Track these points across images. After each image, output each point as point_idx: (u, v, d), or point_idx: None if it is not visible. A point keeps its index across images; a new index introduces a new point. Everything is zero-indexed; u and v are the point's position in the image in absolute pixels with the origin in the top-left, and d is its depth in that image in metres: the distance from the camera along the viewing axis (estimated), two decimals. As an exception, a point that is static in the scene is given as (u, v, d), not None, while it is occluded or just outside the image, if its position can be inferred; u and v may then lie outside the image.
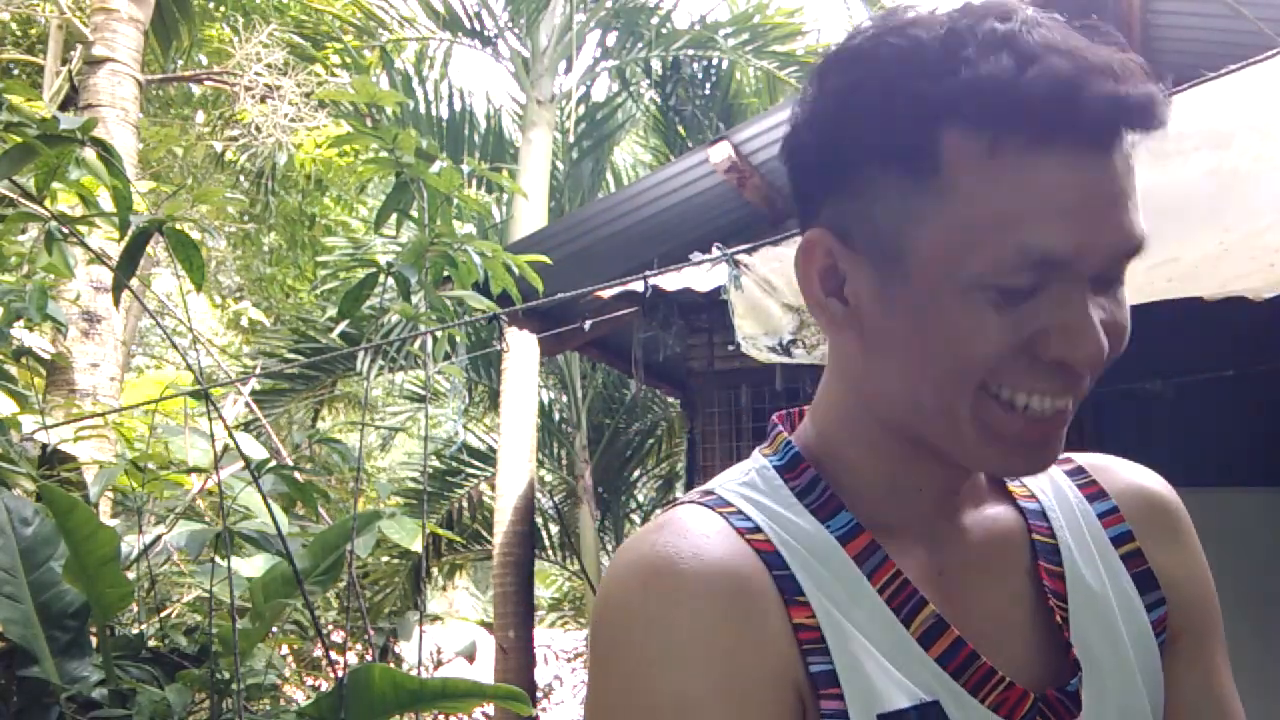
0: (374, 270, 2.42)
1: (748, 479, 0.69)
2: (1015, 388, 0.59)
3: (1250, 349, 3.51)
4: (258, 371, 7.08)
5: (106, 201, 2.19)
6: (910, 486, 0.66)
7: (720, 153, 4.44)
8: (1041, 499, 0.73)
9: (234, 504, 2.64)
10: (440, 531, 3.95)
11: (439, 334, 2.88)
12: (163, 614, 3.08)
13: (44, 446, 3.06)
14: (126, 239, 2.08)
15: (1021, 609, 0.68)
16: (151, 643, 2.63)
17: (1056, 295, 0.57)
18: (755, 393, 4.79)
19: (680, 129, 8.33)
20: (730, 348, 3.30)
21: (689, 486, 6.11)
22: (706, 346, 4.87)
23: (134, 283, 2.37)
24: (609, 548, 8.91)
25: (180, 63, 7.73)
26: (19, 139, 1.92)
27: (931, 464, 0.66)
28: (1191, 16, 4.20)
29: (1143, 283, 2.18)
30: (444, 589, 11.17)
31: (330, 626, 4.84)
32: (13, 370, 2.96)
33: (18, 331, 2.95)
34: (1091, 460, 0.78)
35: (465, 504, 8.84)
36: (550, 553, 9.31)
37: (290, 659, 4.48)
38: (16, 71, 7.16)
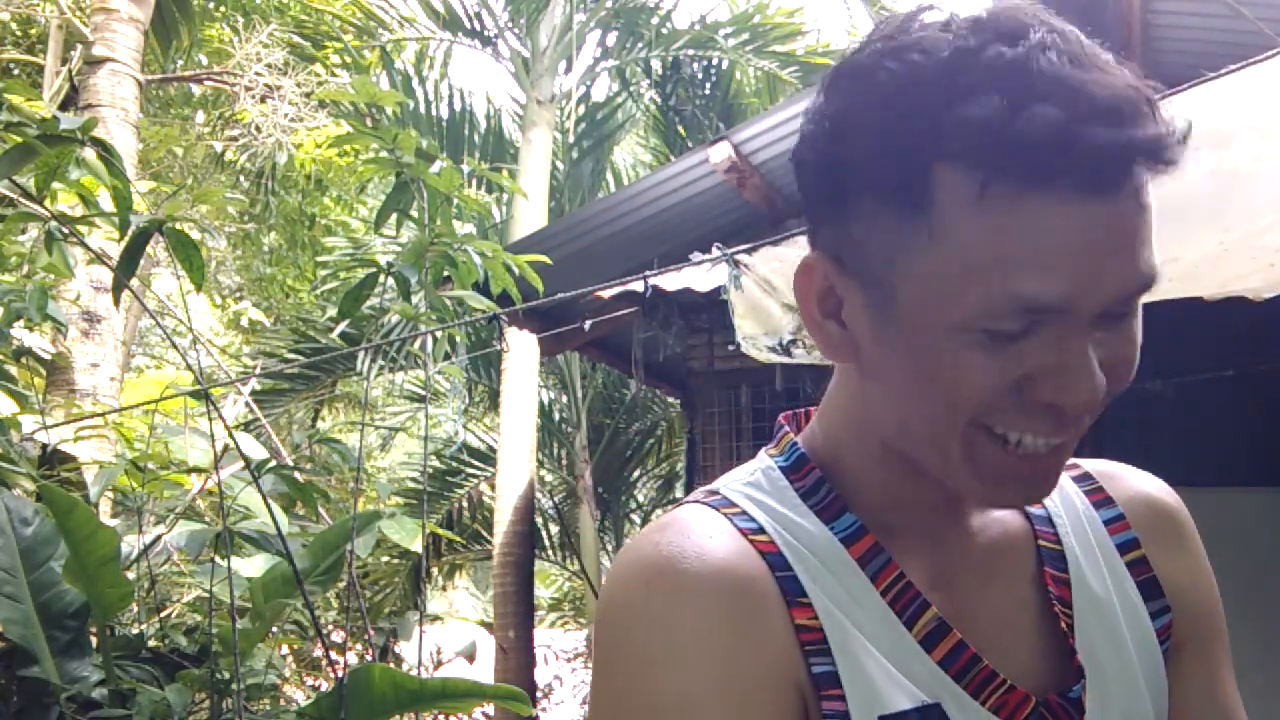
0: (374, 270, 2.42)
1: (753, 479, 0.69)
2: (1007, 426, 0.58)
3: (1250, 349, 3.51)
4: (258, 371, 7.08)
5: (106, 201, 2.19)
6: (914, 493, 0.66)
7: (720, 153, 4.44)
8: (1048, 505, 0.72)
9: (234, 504, 2.64)
10: (440, 531, 3.95)
11: (439, 334, 2.88)
12: (163, 614, 3.08)
13: (44, 446, 3.06)
14: (126, 239, 2.08)
15: (1026, 614, 0.68)
16: (151, 643, 2.63)
17: (1050, 337, 0.55)
18: (755, 393, 4.79)
19: (680, 129, 8.33)
20: (730, 348, 3.30)
21: (689, 486, 6.11)
22: (706, 346, 4.87)
23: (134, 283, 2.37)
24: (609, 548, 8.91)
25: (180, 63, 7.73)
26: (19, 139, 1.92)
27: (932, 478, 0.65)
28: (1191, 16, 4.20)
29: (1143, 283, 2.17)
30: (444, 589, 11.17)
31: (330, 626, 4.84)
32: (13, 370, 2.96)
33: (18, 331, 2.95)
34: (1098, 467, 0.77)
35: (465, 504, 8.84)
36: (550, 553, 9.31)
37: (290, 659, 4.48)
38: (16, 71, 7.16)
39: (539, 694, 7.91)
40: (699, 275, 3.48)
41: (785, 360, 3.12)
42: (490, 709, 6.11)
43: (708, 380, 4.95)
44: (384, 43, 8.00)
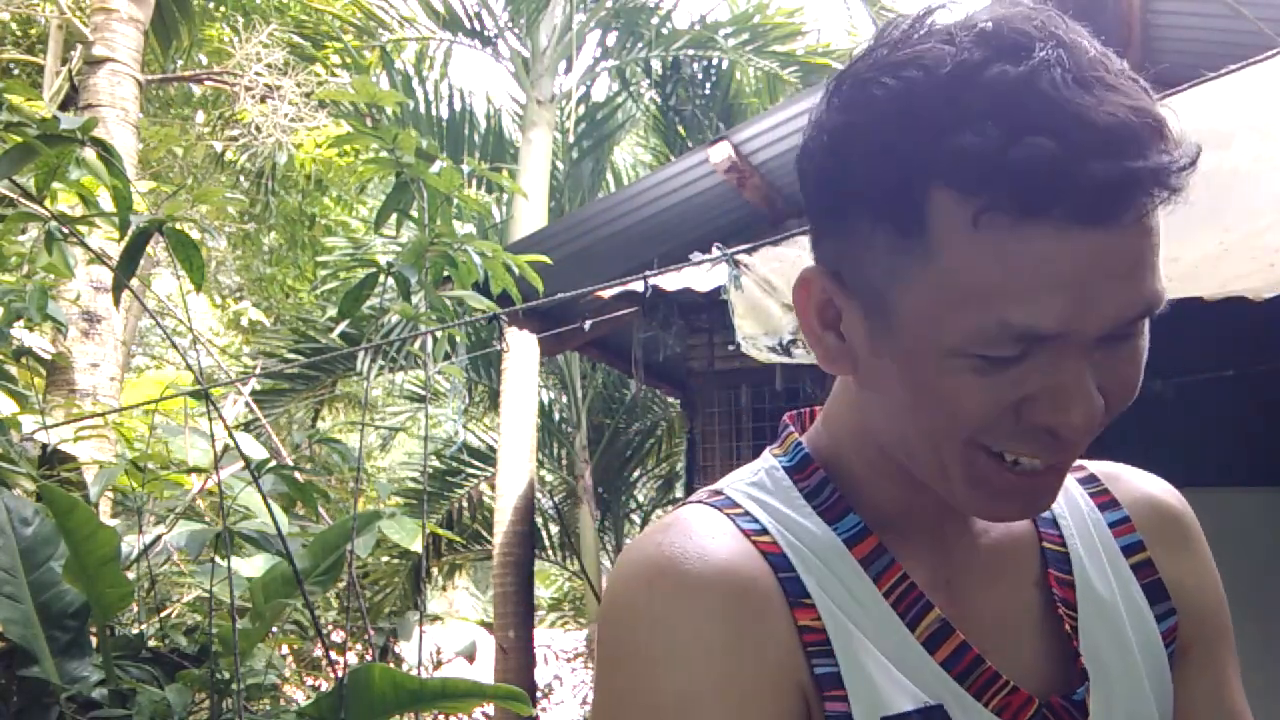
0: (374, 270, 2.42)
1: (756, 479, 0.69)
2: (1004, 447, 0.57)
3: (1250, 349, 3.51)
4: (258, 371, 7.08)
5: (106, 201, 2.19)
6: (916, 497, 0.66)
7: (720, 153, 4.44)
8: (1053, 507, 0.72)
9: (234, 504, 2.64)
10: (440, 531, 3.95)
11: (439, 334, 2.88)
12: (163, 614, 3.08)
13: (44, 446, 3.06)
14: (126, 239, 2.08)
15: (1030, 616, 0.68)
16: (151, 643, 2.63)
17: (1046, 361, 0.54)
18: (755, 393, 4.79)
19: (680, 129, 8.33)
20: (730, 348, 3.30)
21: (689, 486, 6.11)
22: (706, 346, 4.87)
23: (134, 283, 2.37)
24: (609, 548, 8.91)
25: (180, 63, 7.73)
26: (19, 139, 1.92)
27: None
28: (1191, 16, 4.20)
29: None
30: (444, 589, 11.17)
31: (330, 626, 4.84)
32: (13, 370, 2.96)
33: (18, 331, 2.95)
34: (1103, 468, 0.77)
35: (465, 504, 8.84)
36: (550, 553, 9.31)
37: (290, 659, 4.48)
38: (16, 71, 7.16)
39: (539, 694, 7.91)
40: (699, 275, 3.48)
41: (785, 360, 3.12)
42: (490, 709, 6.11)
43: (708, 380, 4.95)
44: (384, 43, 8.00)
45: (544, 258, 2.66)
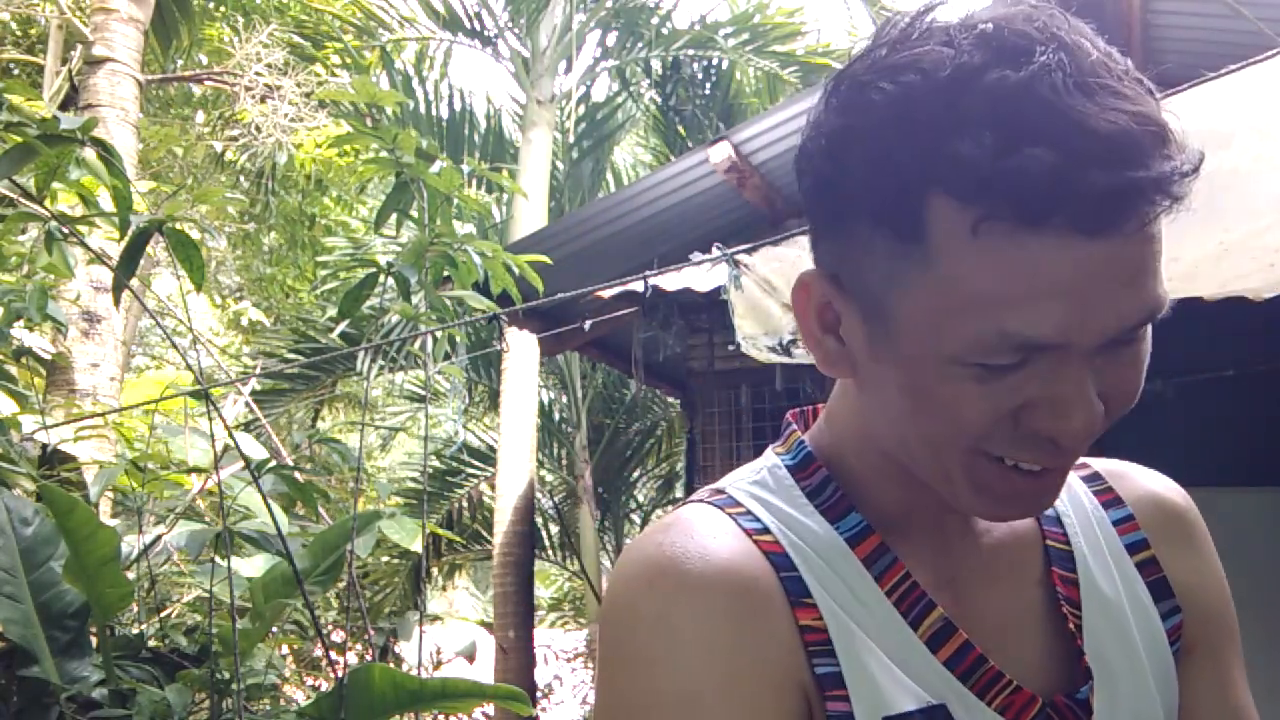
0: (374, 270, 2.42)
1: (758, 478, 0.69)
2: (1004, 452, 0.57)
3: (1250, 349, 3.51)
4: (258, 371, 7.08)
5: (106, 201, 2.19)
6: (918, 496, 0.66)
7: (720, 153, 4.44)
8: (1057, 505, 0.72)
9: (234, 504, 2.64)
10: (440, 531, 3.95)
11: (439, 334, 2.88)
12: (163, 614, 3.08)
13: (44, 446, 3.06)
14: (126, 239, 2.08)
15: (1033, 615, 0.68)
16: (151, 643, 2.63)
17: (1046, 369, 0.54)
18: (755, 393, 4.79)
19: (680, 129, 8.33)
20: (730, 348, 3.30)
21: (689, 486, 6.11)
22: (706, 346, 4.87)
23: (134, 283, 2.37)
24: (609, 548, 8.91)
25: (180, 63, 7.73)
26: (19, 139, 1.92)
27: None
28: (1191, 16, 4.20)
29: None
30: (444, 589, 11.17)
31: (330, 626, 4.84)
32: (13, 370, 2.96)
33: (18, 331, 2.95)
34: (1108, 466, 0.77)
35: (465, 504, 8.84)
36: (550, 553, 9.31)
37: (290, 659, 4.48)
38: (16, 71, 7.16)
39: (539, 694, 7.91)
40: (699, 275, 3.48)
41: (785, 360, 3.12)
42: (490, 709, 6.11)
43: (708, 380, 4.95)
44: (384, 43, 8.00)
45: (544, 258, 2.66)
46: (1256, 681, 0.73)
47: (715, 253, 3.09)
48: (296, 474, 2.40)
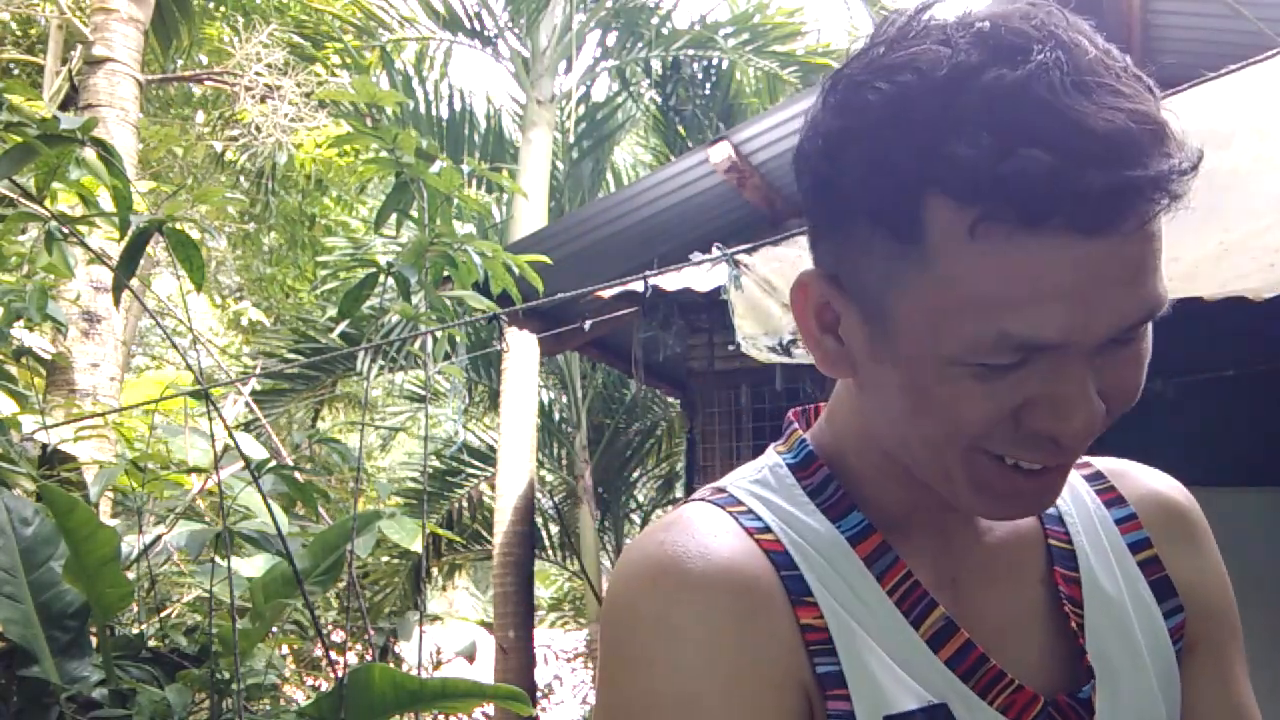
0: (374, 270, 2.42)
1: (760, 477, 0.69)
2: (1005, 451, 0.57)
3: (1250, 349, 3.51)
4: (258, 371, 7.08)
5: (106, 201, 2.19)
6: (919, 495, 0.66)
7: (720, 153, 4.44)
8: (1059, 504, 0.72)
9: (234, 504, 2.64)
10: (440, 531, 3.95)
11: (439, 334, 2.88)
12: (163, 614, 3.08)
13: (44, 446, 3.06)
14: (126, 239, 2.08)
15: (1035, 614, 0.68)
16: (151, 643, 2.63)
17: (1046, 368, 0.54)
18: (755, 393, 4.79)
19: (680, 129, 8.33)
20: (730, 348, 3.30)
21: (689, 486, 6.11)
22: (706, 346, 4.87)
23: (134, 283, 2.37)
24: (609, 548, 8.91)
25: (180, 63, 7.73)
26: (19, 139, 1.92)
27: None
28: (1191, 16, 4.20)
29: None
30: (444, 589, 11.17)
31: (330, 626, 4.85)
32: (13, 370, 2.96)
33: (18, 331, 2.95)
34: (1110, 465, 0.77)
35: (465, 504, 8.84)
36: (550, 553, 9.31)
37: (290, 659, 4.48)
38: (16, 71, 7.16)
39: (539, 694, 7.91)
40: (699, 275, 3.48)
41: (785, 360, 3.12)
42: (490, 709, 6.11)
43: (708, 380, 4.95)
44: (384, 43, 8.00)
45: (544, 258, 2.66)
46: (1258, 681, 0.73)
47: (715, 253, 3.09)
48: (296, 474, 2.40)
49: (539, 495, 7.97)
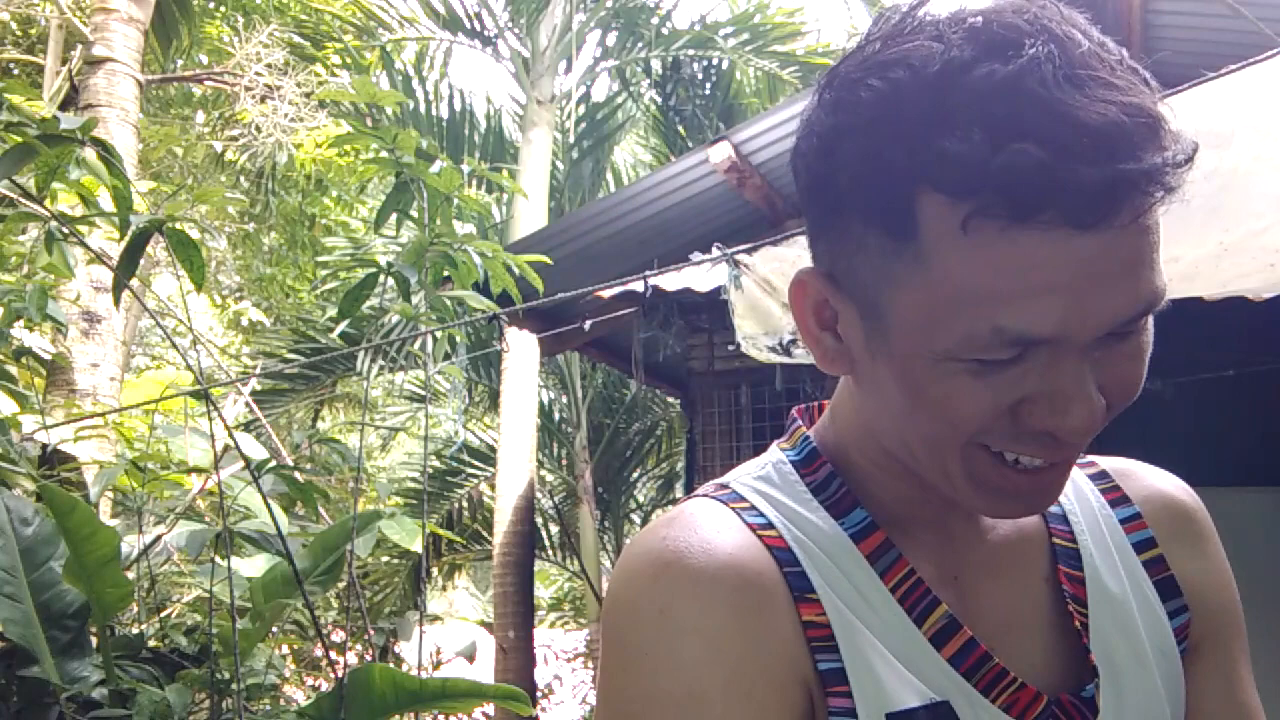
0: (374, 270, 2.42)
1: (763, 473, 0.69)
2: (1004, 447, 0.57)
3: (1250, 349, 3.51)
4: (258, 371, 7.08)
5: (106, 201, 2.19)
6: (922, 493, 0.66)
7: (720, 153, 4.44)
8: (1063, 503, 0.72)
9: (234, 504, 2.64)
10: (440, 531, 3.95)
11: (439, 334, 2.88)
12: (163, 614, 3.08)
13: (44, 446, 3.06)
14: (126, 239, 2.08)
15: (1039, 612, 0.67)
16: (151, 643, 2.63)
17: (1043, 363, 0.54)
18: (755, 393, 4.79)
19: (680, 129, 8.33)
20: (730, 348, 3.30)
21: (689, 486, 6.11)
22: (706, 346, 4.87)
23: (134, 283, 2.37)
24: (609, 548, 8.91)
25: (180, 63, 7.73)
26: (19, 139, 1.92)
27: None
28: (1191, 16, 4.20)
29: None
30: (444, 589, 11.18)
31: (330, 626, 4.85)
32: (13, 370, 2.96)
33: (18, 331, 2.95)
34: (1115, 465, 0.77)
35: (465, 504, 8.84)
36: (550, 553, 9.31)
37: (290, 659, 4.48)
38: (16, 71, 7.16)
39: (539, 694, 7.91)
40: (699, 275, 3.48)
41: (785, 360, 3.12)
42: (490, 709, 6.11)
43: (708, 380, 4.95)
44: (384, 43, 8.01)
45: (544, 258, 2.66)
46: (1258, 681, 0.73)
47: (715, 253, 3.09)
48: (296, 474, 2.40)
49: (539, 495, 7.97)
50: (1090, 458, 0.76)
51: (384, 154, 2.36)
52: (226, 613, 2.39)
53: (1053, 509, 0.71)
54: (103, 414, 3.44)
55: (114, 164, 2.00)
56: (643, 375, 4.34)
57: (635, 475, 9.46)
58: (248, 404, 5.63)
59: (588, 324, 3.61)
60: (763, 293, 3.05)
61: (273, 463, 2.40)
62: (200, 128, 8.29)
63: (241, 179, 8.20)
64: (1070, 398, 0.54)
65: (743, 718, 0.57)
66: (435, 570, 9.36)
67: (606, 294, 3.60)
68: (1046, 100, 0.49)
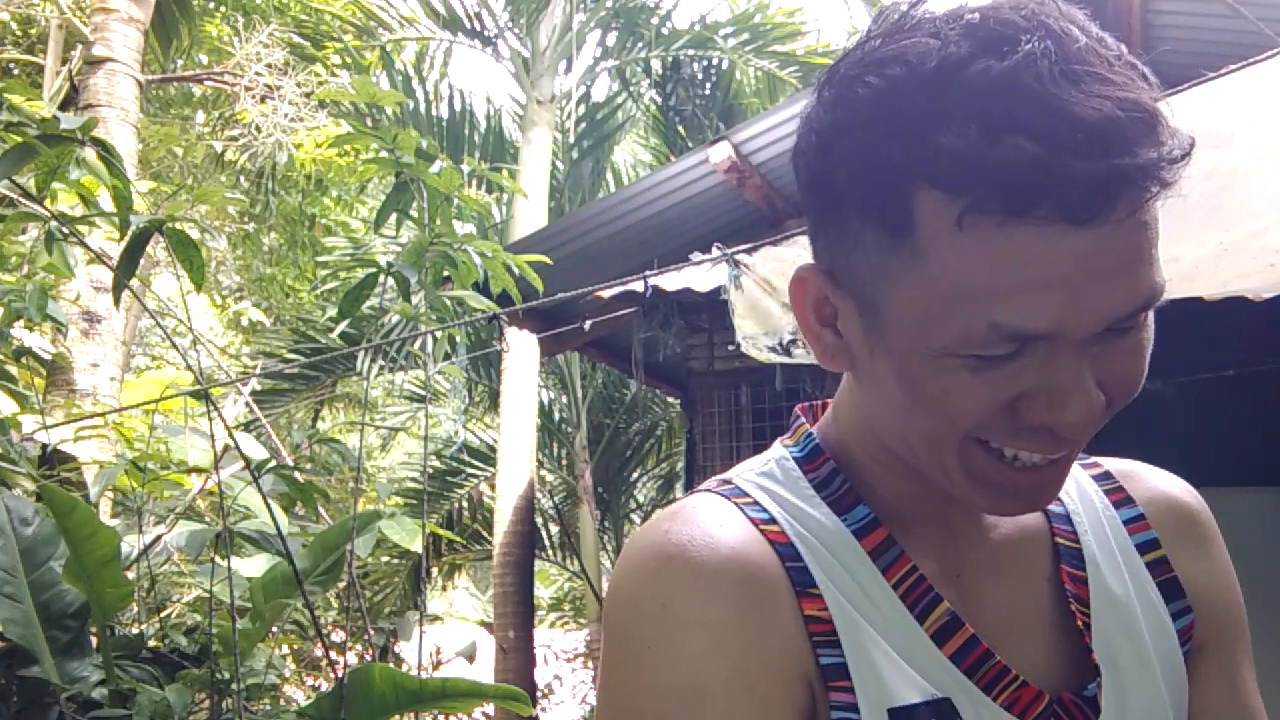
0: (374, 270, 2.42)
1: (766, 469, 0.69)
2: (1002, 443, 0.57)
3: (1250, 349, 3.51)
4: (258, 371, 7.08)
5: (106, 201, 2.19)
6: (924, 490, 0.66)
7: (720, 153, 4.44)
8: (1066, 503, 0.72)
9: (234, 504, 2.64)
10: (440, 531, 3.95)
11: (439, 334, 2.88)
12: (163, 614, 3.08)
13: (44, 446, 3.06)
14: (126, 239, 2.08)
15: (1041, 611, 0.68)
16: (151, 643, 2.63)
17: (1041, 359, 0.54)
18: (755, 393, 4.79)
19: (680, 129, 8.33)
20: (730, 348, 3.30)
21: (689, 486, 6.11)
22: (706, 346, 4.87)
23: (134, 283, 2.37)
24: (609, 548, 8.91)
25: (180, 63, 7.73)
26: (19, 139, 1.92)
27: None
28: (1191, 16, 4.20)
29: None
30: (444, 589, 11.17)
31: (330, 626, 4.85)
32: (13, 370, 2.96)
33: (18, 331, 2.95)
34: (1118, 466, 0.77)
35: (465, 504, 8.84)
36: (550, 553, 9.31)
37: (290, 659, 4.48)
38: (16, 71, 7.16)
39: (539, 694, 7.91)
40: (699, 275, 3.48)
41: (785, 360, 3.12)
42: (490, 709, 6.11)
43: (708, 380, 4.95)
44: (384, 43, 8.00)
45: (544, 258, 2.66)
46: (1260, 681, 0.73)
47: (715, 253, 3.09)
48: (296, 474, 2.40)
49: (539, 495, 7.97)
50: (1093, 459, 0.76)
51: (384, 154, 2.37)
52: (226, 613, 2.39)
53: (1056, 509, 0.71)
54: (103, 414, 3.44)
55: (114, 164, 2.00)
56: (643, 375, 4.34)
57: (635, 475, 9.46)
58: (248, 404, 5.63)
59: (588, 324, 3.61)
60: (763, 293, 3.05)
61: (273, 463, 2.40)
62: (200, 128, 8.29)
63: (241, 179, 8.20)
64: (1068, 393, 0.54)
65: (745, 711, 0.57)
66: (435, 570, 9.36)
67: (606, 294, 3.60)
68: (1042, 95, 0.49)
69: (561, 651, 9.18)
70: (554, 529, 9.21)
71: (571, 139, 8.53)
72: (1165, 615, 0.69)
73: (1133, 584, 0.70)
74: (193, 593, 3.62)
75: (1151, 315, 0.56)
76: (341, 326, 6.54)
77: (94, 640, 2.37)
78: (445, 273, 2.45)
